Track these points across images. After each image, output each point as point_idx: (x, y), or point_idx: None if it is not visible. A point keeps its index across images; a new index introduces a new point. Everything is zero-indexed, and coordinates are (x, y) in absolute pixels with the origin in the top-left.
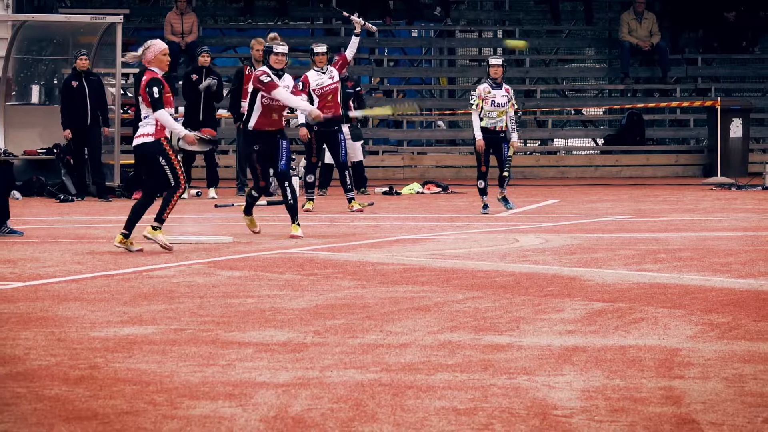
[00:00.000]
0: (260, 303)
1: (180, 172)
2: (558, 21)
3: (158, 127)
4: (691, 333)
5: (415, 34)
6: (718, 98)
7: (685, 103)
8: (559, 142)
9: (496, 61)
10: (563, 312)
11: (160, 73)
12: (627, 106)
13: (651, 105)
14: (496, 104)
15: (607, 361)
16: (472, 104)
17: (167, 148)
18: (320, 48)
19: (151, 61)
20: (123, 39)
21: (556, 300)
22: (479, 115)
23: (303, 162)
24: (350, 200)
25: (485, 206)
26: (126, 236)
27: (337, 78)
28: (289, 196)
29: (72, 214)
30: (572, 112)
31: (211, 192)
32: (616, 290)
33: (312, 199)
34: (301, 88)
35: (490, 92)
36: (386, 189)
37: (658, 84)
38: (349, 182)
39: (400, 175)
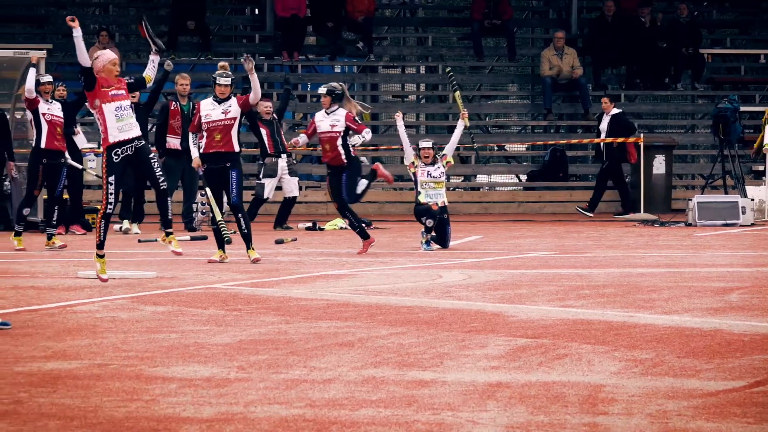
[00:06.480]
0: (184, 338)
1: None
2: (481, 57)
3: None
4: (614, 369)
5: (338, 69)
6: (641, 135)
7: (608, 140)
8: (482, 178)
9: (426, 144)
10: (487, 348)
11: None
12: (550, 143)
13: (574, 141)
14: (431, 175)
15: (531, 397)
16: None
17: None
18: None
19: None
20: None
21: (480, 336)
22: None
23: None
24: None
25: (429, 242)
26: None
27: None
28: (243, 226)
29: None
30: (495, 148)
31: (135, 227)
32: (539, 326)
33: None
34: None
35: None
36: (309, 224)
37: (580, 120)
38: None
39: (323, 211)
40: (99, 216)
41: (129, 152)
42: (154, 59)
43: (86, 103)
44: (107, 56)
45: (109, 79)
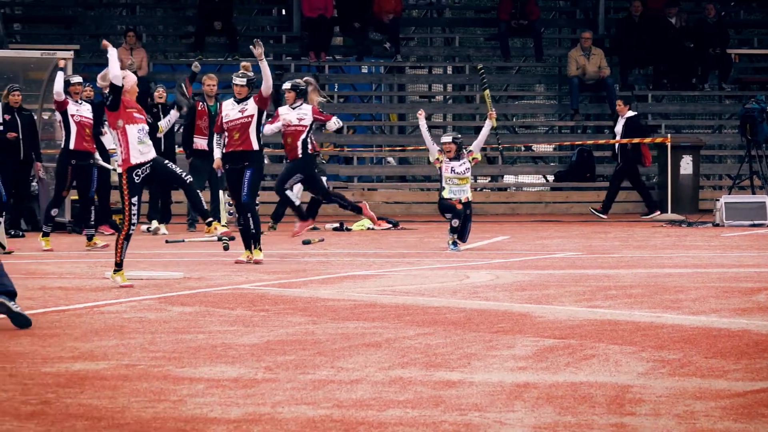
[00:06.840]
0: (211, 339)
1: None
2: (508, 58)
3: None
4: (642, 370)
5: (365, 70)
6: (669, 135)
7: (635, 140)
8: (509, 179)
9: (446, 138)
10: (514, 348)
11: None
12: (577, 143)
13: (601, 141)
14: (455, 171)
15: (559, 397)
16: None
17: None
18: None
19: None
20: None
21: (507, 336)
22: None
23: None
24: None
25: (455, 243)
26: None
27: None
28: (252, 226)
29: (22, 249)
30: (522, 148)
31: (163, 228)
32: (567, 327)
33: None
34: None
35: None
36: (337, 225)
37: (608, 121)
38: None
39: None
40: (121, 237)
41: (148, 171)
42: (173, 114)
43: (105, 123)
44: (132, 77)
45: (131, 101)
